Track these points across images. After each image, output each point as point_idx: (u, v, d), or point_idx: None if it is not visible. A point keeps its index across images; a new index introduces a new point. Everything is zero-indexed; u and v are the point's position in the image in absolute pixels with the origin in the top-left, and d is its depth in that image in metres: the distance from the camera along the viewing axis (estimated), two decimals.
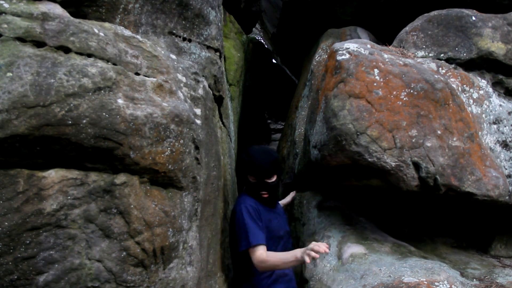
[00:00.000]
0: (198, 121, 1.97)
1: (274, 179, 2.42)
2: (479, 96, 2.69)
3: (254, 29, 6.42)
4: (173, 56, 2.05)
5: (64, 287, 1.39)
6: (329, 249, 2.55)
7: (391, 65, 2.44)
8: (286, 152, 3.78)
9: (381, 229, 2.74)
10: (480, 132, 2.58)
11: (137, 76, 1.66)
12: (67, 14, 1.56)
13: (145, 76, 1.70)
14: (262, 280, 2.32)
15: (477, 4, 3.36)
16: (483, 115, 2.65)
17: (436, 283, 1.99)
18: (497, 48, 2.73)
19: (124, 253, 1.51)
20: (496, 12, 2.98)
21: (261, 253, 2.16)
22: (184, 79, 2.00)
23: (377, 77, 2.37)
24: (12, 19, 1.36)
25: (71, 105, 1.38)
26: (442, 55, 2.81)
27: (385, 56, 2.53)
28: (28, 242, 1.33)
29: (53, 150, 1.39)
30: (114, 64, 1.56)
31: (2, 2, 1.38)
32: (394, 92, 2.35)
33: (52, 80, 1.36)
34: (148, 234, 1.55)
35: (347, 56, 2.46)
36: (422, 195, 2.46)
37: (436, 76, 2.47)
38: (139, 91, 1.62)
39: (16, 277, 1.31)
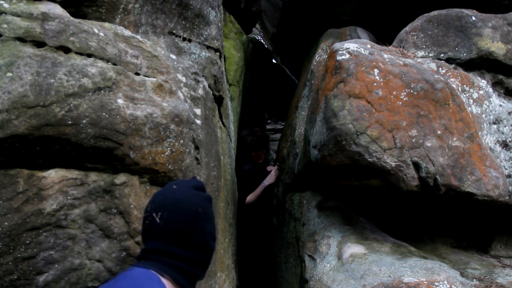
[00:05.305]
0: (198, 121, 1.97)
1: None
2: (479, 96, 2.69)
3: (254, 29, 6.42)
4: (173, 56, 2.05)
5: (64, 287, 1.39)
6: (329, 249, 2.56)
7: (391, 65, 2.44)
8: (286, 152, 3.78)
9: (381, 229, 2.74)
10: (480, 132, 2.58)
11: (137, 76, 1.66)
12: (67, 14, 1.55)
13: (145, 76, 1.70)
14: None
15: (477, 4, 3.36)
16: (483, 115, 2.65)
17: (436, 283, 1.99)
18: (497, 48, 2.73)
19: (124, 253, 1.51)
20: (496, 12, 2.97)
21: None
22: (184, 79, 2.00)
23: (377, 77, 2.37)
24: (12, 19, 1.36)
25: (71, 105, 1.38)
26: (442, 55, 2.80)
27: (385, 56, 2.53)
28: (28, 242, 1.33)
29: (53, 150, 1.39)
30: (114, 64, 1.56)
31: (2, 2, 1.38)
32: (394, 92, 2.34)
33: (52, 80, 1.36)
34: None
35: (347, 56, 2.46)
36: (422, 195, 2.46)
37: (436, 76, 2.47)
38: (139, 91, 1.62)
39: (16, 277, 1.31)
